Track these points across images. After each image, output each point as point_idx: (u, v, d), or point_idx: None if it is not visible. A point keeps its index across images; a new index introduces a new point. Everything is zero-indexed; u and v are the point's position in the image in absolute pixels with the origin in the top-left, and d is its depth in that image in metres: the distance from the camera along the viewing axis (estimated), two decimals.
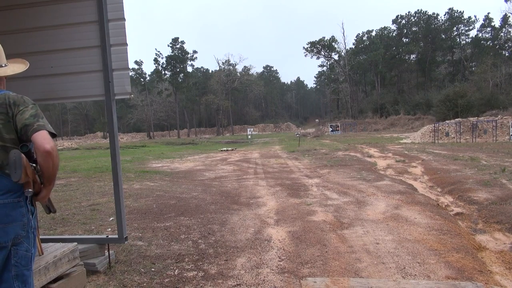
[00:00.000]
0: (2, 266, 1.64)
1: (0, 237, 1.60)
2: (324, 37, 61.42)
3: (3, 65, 1.90)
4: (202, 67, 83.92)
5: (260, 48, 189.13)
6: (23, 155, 1.57)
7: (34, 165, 1.66)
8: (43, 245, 2.84)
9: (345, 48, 62.73)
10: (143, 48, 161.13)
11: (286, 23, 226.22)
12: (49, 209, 1.99)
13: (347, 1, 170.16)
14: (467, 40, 59.19)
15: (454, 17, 58.33)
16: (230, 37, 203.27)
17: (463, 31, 59.09)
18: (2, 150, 1.67)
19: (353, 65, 60.99)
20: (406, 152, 15.25)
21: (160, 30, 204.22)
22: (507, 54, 51.55)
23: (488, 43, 54.47)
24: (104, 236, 3.64)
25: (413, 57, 61.92)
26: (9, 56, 3.30)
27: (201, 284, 3.00)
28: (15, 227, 1.65)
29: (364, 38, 64.65)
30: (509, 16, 49.45)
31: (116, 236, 3.29)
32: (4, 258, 1.64)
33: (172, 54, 63.24)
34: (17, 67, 1.98)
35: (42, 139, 1.61)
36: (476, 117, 27.36)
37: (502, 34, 53.39)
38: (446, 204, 6.07)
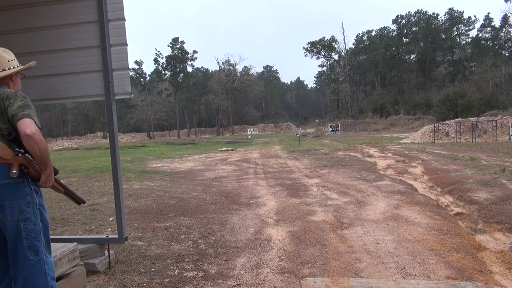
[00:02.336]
0: (15, 239, 1.88)
1: (8, 211, 1.86)
2: (324, 37, 61.39)
3: (6, 68, 2.07)
4: (202, 67, 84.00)
5: (260, 48, 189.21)
6: None
7: (22, 151, 1.85)
8: None
9: (345, 48, 62.73)
10: (143, 48, 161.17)
11: (286, 23, 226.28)
12: (76, 200, 2.27)
13: (347, 1, 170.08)
14: (467, 40, 59.21)
15: (454, 17, 58.32)
16: (230, 37, 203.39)
17: (463, 31, 59.10)
18: (1, 137, 1.89)
19: (353, 65, 60.97)
20: (406, 152, 15.25)
21: (160, 30, 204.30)
22: (507, 54, 51.53)
23: (488, 43, 54.44)
24: (104, 236, 3.64)
25: (413, 57, 61.90)
26: None
27: (201, 284, 3.00)
28: (20, 203, 1.89)
29: (364, 38, 64.64)
30: (509, 16, 49.44)
31: (116, 236, 3.29)
32: (14, 232, 1.88)
33: (172, 54, 63.24)
34: (20, 67, 2.16)
35: (23, 125, 1.79)
36: (476, 117, 27.36)
37: (502, 34, 53.37)
38: (446, 204, 6.07)
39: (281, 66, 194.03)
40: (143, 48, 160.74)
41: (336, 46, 61.77)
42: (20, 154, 1.84)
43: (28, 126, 1.79)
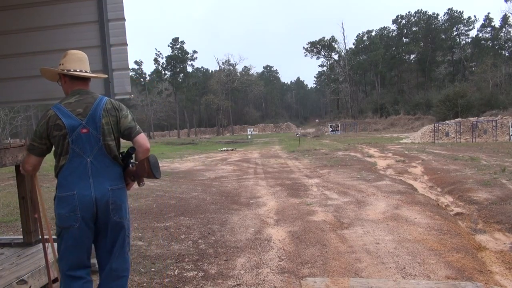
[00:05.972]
0: (124, 237, 2.05)
1: (124, 212, 2.04)
2: (324, 37, 61.49)
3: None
4: (202, 67, 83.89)
5: (260, 48, 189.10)
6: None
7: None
8: None
9: (345, 48, 62.81)
10: (143, 48, 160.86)
11: (286, 23, 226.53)
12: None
13: (347, 1, 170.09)
14: (467, 40, 59.27)
15: (454, 17, 58.35)
16: (229, 37, 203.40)
17: (463, 31, 59.15)
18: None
19: (353, 65, 61.00)
20: (406, 152, 15.25)
21: (160, 30, 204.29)
22: (507, 54, 51.57)
23: (488, 43, 54.46)
24: None
25: (413, 57, 61.93)
26: (8, 56, 3.32)
27: (201, 284, 3.00)
28: (127, 205, 2.10)
29: (364, 38, 64.68)
30: (509, 16, 49.48)
31: None
32: (126, 230, 2.06)
33: (172, 54, 63.26)
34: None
35: (144, 139, 2.03)
36: (476, 117, 27.35)
37: (502, 34, 53.40)
38: (446, 204, 6.07)
39: (281, 66, 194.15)
40: (143, 48, 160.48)
41: (336, 46, 61.92)
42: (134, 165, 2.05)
43: (147, 140, 2.05)
